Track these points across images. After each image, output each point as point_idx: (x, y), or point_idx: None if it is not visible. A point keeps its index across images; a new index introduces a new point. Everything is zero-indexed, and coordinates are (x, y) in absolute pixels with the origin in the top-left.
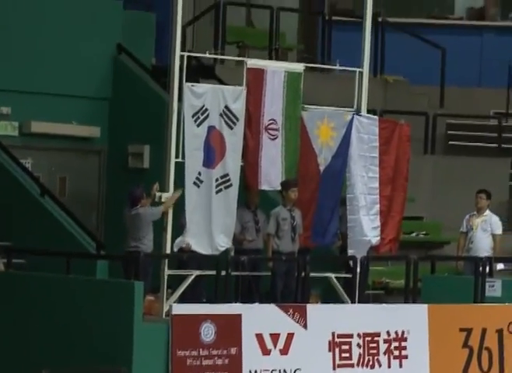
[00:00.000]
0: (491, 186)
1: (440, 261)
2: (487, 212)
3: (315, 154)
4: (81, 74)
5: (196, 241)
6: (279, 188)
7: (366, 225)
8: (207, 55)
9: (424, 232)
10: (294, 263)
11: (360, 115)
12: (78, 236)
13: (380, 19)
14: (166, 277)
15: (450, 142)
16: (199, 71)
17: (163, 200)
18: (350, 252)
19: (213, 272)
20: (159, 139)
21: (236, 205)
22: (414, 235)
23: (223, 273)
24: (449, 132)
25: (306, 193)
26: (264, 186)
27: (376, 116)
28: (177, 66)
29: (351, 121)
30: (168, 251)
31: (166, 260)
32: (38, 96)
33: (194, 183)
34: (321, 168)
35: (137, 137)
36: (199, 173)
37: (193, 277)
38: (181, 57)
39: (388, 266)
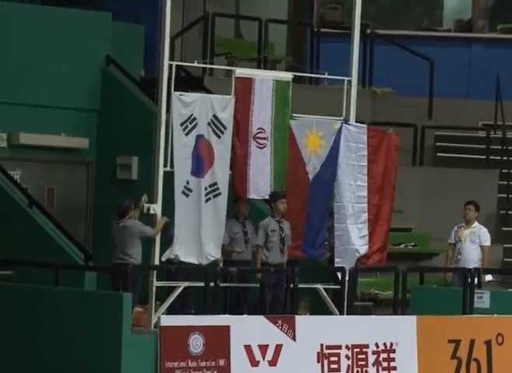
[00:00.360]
0: (479, 198)
1: (429, 272)
2: (475, 224)
3: (304, 162)
4: (69, 86)
5: (185, 250)
6: (267, 197)
7: (354, 234)
8: (195, 64)
9: (413, 244)
10: (283, 274)
11: (349, 124)
12: (66, 247)
13: (368, 31)
14: (154, 289)
15: (439, 154)
16: (188, 83)
17: (151, 211)
18: (337, 260)
19: (202, 283)
20: (148, 151)
21: (226, 216)
22: (403, 246)
23: (212, 284)
24: (437, 144)
25: (295, 202)
26: (252, 195)
27: (364, 125)
28: (166, 74)
29: (339, 130)
30: (156, 262)
31: (155, 272)
32: (26, 108)
33: (183, 192)
34: (310, 176)
35: (125, 148)
36: (188, 182)
37: (181, 288)
38: (170, 66)
39: (377, 277)
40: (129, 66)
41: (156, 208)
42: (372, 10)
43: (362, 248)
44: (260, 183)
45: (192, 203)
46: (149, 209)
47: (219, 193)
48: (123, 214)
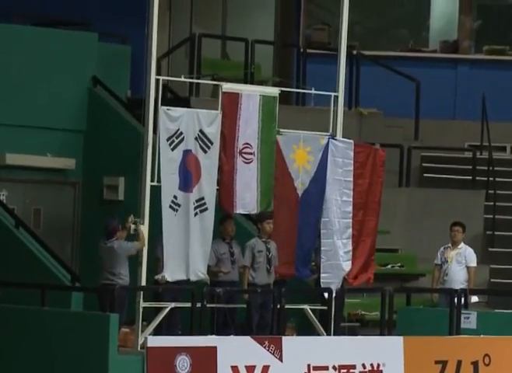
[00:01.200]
0: (465, 219)
1: (416, 293)
2: (461, 244)
3: (291, 178)
4: (56, 107)
5: (173, 266)
6: (254, 211)
7: (339, 249)
8: (182, 79)
9: (399, 264)
10: (270, 295)
11: (336, 139)
12: (52, 268)
13: (355, 52)
14: (141, 309)
15: (425, 174)
16: (174, 103)
17: (138, 232)
18: (323, 276)
19: (189, 304)
20: (135, 171)
21: (212, 237)
22: (389, 267)
23: (199, 305)
24: (424, 164)
25: (284, 218)
26: (239, 210)
27: (351, 141)
28: (153, 88)
29: (327, 145)
30: (143, 283)
31: (142, 292)
32: (13, 128)
33: (171, 207)
34: (299, 192)
35: (112, 169)
36: (175, 197)
37: (168, 309)
38: (156, 81)
39: (364, 298)
40: (116, 87)
41: (143, 229)
42: (358, 31)
43: (346, 263)
44: (246, 199)
45: (180, 218)
46: (136, 229)
47: (206, 208)
48: (110, 234)
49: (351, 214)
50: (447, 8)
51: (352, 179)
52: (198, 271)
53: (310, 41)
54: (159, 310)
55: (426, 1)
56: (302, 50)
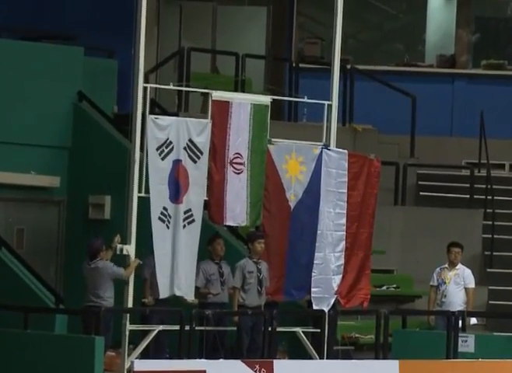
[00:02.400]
0: (463, 238)
1: (412, 315)
2: (459, 265)
3: (283, 189)
4: (40, 123)
5: (165, 281)
6: (244, 224)
7: (331, 263)
8: (171, 87)
9: (395, 286)
10: (261, 317)
11: (329, 149)
12: (36, 290)
13: (348, 67)
14: (127, 332)
15: (421, 193)
16: None
17: (124, 252)
18: (314, 290)
19: (177, 327)
20: (121, 189)
21: (201, 256)
22: (384, 288)
23: (187, 327)
24: (420, 182)
25: (275, 230)
26: (229, 222)
27: (345, 151)
28: (141, 97)
29: (320, 155)
30: (130, 305)
31: (128, 315)
32: None
33: (160, 219)
34: (291, 204)
35: (98, 187)
36: (165, 208)
37: (155, 332)
38: (144, 90)
39: (358, 320)
40: (102, 102)
41: (130, 249)
42: (352, 45)
43: (337, 277)
44: (236, 210)
45: (171, 230)
46: (122, 250)
47: (193, 220)
48: (94, 254)
49: (344, 227)
50: (443, 21)
51: (346, 190)
52: (183, 286)
53: (302, 55)
54: (146, 333)
55: (421, 13)
56: (294, 64)
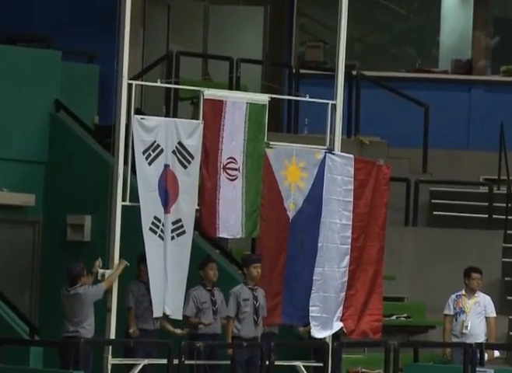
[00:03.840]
0: (481, 263)
1: (424, 348)
2: (478, 292)
3: (281, 197)
4: (13, 135)
5: (159, 300)
6: (239, 236)
7: (334, 280)
8: (158, 84)
9: (405, 315)
10: (257, 349)
11: (333, 153)
12: (8, 319)
13: (354, 73)
14: (110, 367)
15: (435, 212)
16: None
17: (106, 277)
18: (312, 309)
19: (164, 360)
20: (103, 208)
21: (193, 285)
22: (394, 317)
23: (176, 361)
24: (433, 201)
25: (272, 243)
26: (222, 234)
27: (351, 156)
28: (125, 93)
29: (323, 160)
30: (112, 336)
31: (110, 347)
32: None
33: (151, 230)
34: (290, 214)
35: (77, 206)
36: (156, 218)
37: (141, 366)
38: (129, 87)
39: (365, 353)
40: (81, 112)
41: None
42: (358, 49)
43: (342, 295)
44: (231, 221)
45: (164, 242)
46: (103, 275)
47: (183, 232)
48: (74, 280)
49: (350, 240)
50: (459, 22)
51: (352, 199)
52: (171, 304)
53: (303, 60)
54: (130, 367)
55: (435, 14)
56: (294, 70)
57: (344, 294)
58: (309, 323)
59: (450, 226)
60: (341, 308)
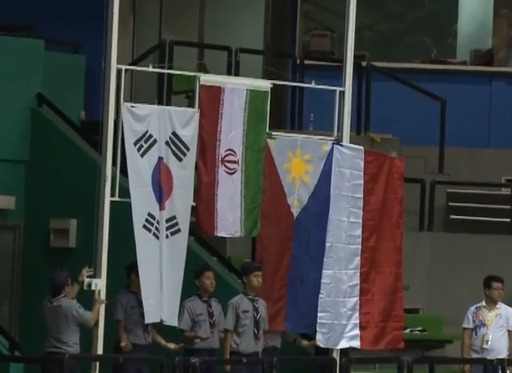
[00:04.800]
0: (502, 271)
1: (441, 364)
2: (499, 304)
3: (284, 193)
4: None
5: (152, 303)
6: (238, 234)
7: (343, 283)
8: (150, 69)
9: (420, 328)
10: (257, 365)
11: (341, 145)
12: None
13: (364, 64)
14: None
15: (452, 216)
16: None
17: (93, 288)
18: (321, 315)
19: None
20: (89, 211)
21: (188, 295)
22: (408, 331)
23: None
24: (450, 204)
25: (274, 243)
26: (220, 233)
27: (361, 147)
28: (114, 79)
29: (330, 152)
30: (100, 351)
31: (97, 363)
32: None
33: (145, 227)
34: (294, 211)
35: (61, 209)
36: (150, 215)
37: None
38: (118, 71)
39: (376, 369)
40: (66, 107)
41: (99, 284)
42: (368, 37)
43: (351, 300)
44: (229, 218)
45: (159, 241)
46: (90, 285)
47: (178, 230)
48: (57, 290)
49: (360, 239)
50: (479, 8)
51: (362, 195)
52: (166, 309)
53: (308, 50)
54: None
55: (452, 0)
56: (298, 61)
57: (357, 299)
58: (315, 331)
59: (468, 231)
60: (357, 314)
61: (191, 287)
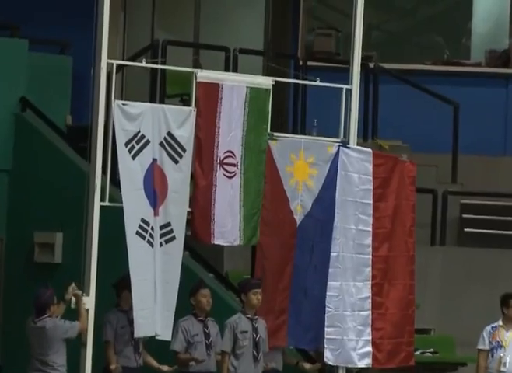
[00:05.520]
0: None
1: None
2: None
3: (287, 198)
4: None
5: (143, 315)
6: (236, 243)
7: (350, 295)
8: (143, 64)
9: (432, 350)
10: None
11: (348, 147)
12: None
13: (372, 65)
14: None
15: (466, 229)
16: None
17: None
18: (328, 331)
19: None
20: (76, 224)
21: (182, 315)
22: (418, 353)
23: None
24: (464, 216)
25: (276, 252)
26: (217, 240)
27: (369, 150)
28: (104, 78)
29: (336, 155)
30: None
31: None
32: None
33: (139, 234)
34: (297, 218)
35: (46, 221)
36: (144, 221)
37: None
38: (109, 73)
39: None
40: (52, 111)
41: (88, 302)
42: (376, 37)
43: (361, 315)
44: (228, 225)
45: (153, 249)
46: (77, 303)
47: (173, 237)
48: (42, 309)
49: (370, 248)
50: (494, 5)
51: (371, 201)
52: (158, 322)
53: (311, 51)
54: None
55: None
56: (301, 62)
57: (368, 313)
58: (318, 347)
59: (483, 245)
60: (369, 329)
61: (185, 306)
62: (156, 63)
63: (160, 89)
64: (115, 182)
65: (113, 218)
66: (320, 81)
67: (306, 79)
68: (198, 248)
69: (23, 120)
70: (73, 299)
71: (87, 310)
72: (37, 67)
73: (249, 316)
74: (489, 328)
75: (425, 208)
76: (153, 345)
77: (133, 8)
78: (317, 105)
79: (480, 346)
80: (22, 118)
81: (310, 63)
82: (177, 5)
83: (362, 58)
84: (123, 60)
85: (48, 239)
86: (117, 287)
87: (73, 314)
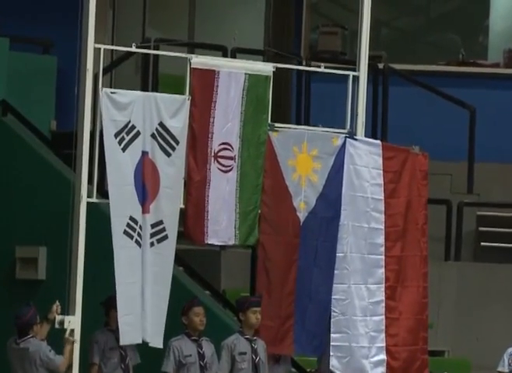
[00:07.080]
0: None
1: None
2: None
3: (289, 194)
4: None
5: (128, 321)
6: (231, 242)
7: (361, 299)
8: (133, 49)
9: None
10: None
11: (356, 139)
12: None
13: (381, 66)
14: None
15: (483, 243)
16: None
17: (65, 326)
18: (334, 337)
19: None
20: (61, 238)
21: (174, 334)
22: None
23: None
24: (481, 229)
25: (279, 252)
26: (211, 240)
27: (378, 141)
28: (91, 57)
29: (342, 147)
30: None
31: None
32: None
33: (126, 233)
34: (301, 215)
35: (29, 235)
36: (132, 219)
37: None
38: (97, 51)
39: None
40: (35, 115)
41: (73, 321)
42: (386, 36)
43: (374, 320)
44: (222, 223)
45: (139, 249)
46: (62, 323)
47: (165, 237)
48: (24, 330)
49: (383, 248)
50: None
51: (383, 197)
52: (149, 328)
53: (315, 50)
54: None
55: None
56: (304, 62)
57: (381, 318)
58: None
59: (502, 261)
60: (382, 335)
61: (178, 325)
62: (148, 46)
63: (152, 78)
64: (102, 193)
65: (102, 231)
66: (325, 82)
67: (309, 83)
68: (194, 264)
69: (4, 125)
70: (57, 318)
71: (72, 330)
72: (19, 67)
73: (247, 337)
74: (510, 349)
75: (438, 221)
76: (143, 368)
77: (123, 6)
78: (321, 100)
79: (500, 369)
80: (2, 123)
81: (314, 63)
82: (171, 2)
83: (371, 58)
84: (112, 59)
85: (31, 254)
86: (105, 306)
87: (57, 333)
